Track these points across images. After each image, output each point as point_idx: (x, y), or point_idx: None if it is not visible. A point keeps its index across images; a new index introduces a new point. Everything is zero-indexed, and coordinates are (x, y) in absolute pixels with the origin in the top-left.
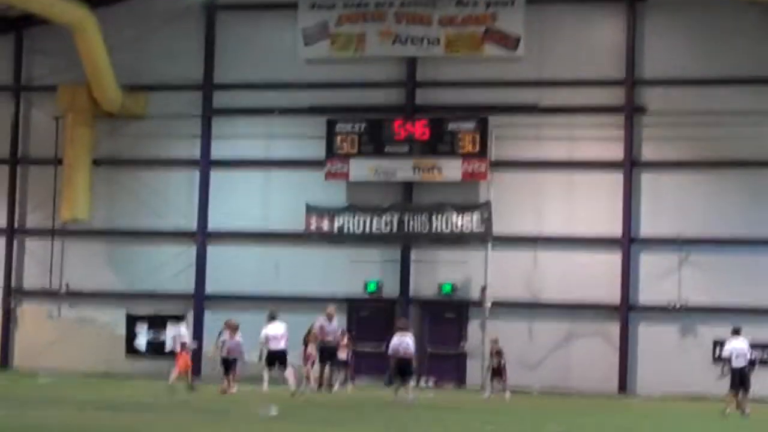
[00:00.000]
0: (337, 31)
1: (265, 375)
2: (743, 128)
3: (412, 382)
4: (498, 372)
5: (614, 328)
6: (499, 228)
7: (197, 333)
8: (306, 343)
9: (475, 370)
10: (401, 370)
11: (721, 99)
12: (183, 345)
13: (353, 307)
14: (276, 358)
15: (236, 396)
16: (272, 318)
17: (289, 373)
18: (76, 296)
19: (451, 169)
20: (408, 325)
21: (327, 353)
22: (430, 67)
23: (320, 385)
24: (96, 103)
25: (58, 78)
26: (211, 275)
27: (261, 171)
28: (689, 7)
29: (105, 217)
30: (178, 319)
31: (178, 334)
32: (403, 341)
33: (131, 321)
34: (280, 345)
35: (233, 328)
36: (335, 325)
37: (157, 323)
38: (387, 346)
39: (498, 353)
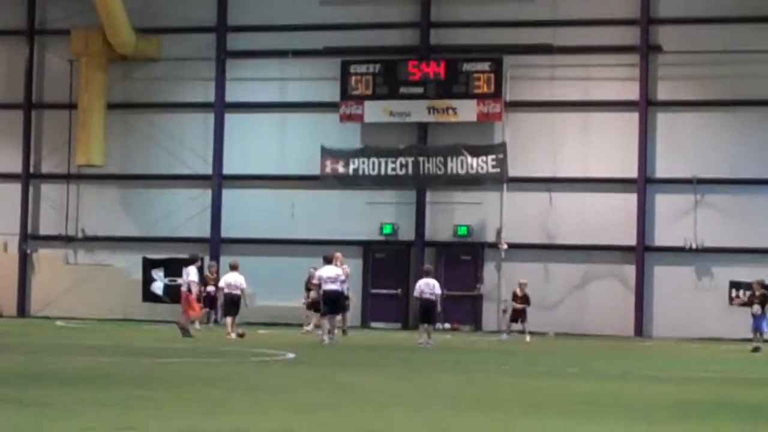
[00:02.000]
0: None
1: (322, 321)
2: (760, 67)
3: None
4: (520, 315)
5: (630, 270)
6: (514, 169)
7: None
8: (308, 290)
9: (491, 312)
10: (426, 311)
11: (737, 38)
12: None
13: (369, 249)
14: (330, 299)
15: (257, 338)
16: (328, 261)
17: (335, 321)
18: (91, 241)
19: (466, 110)
20: (433, 270)
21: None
22: (444, 7)
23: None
24: (110, 46)
25: (71, 21)
26: (226, 219)
27: (276, 114)
28: None
29: (120, 162)
30: (190, 262)
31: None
32: (429, 283)
33: (147, 266)
34: (335, 285)
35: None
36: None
37: (174, 268)
38: (403, 291)
39: (524, 298)
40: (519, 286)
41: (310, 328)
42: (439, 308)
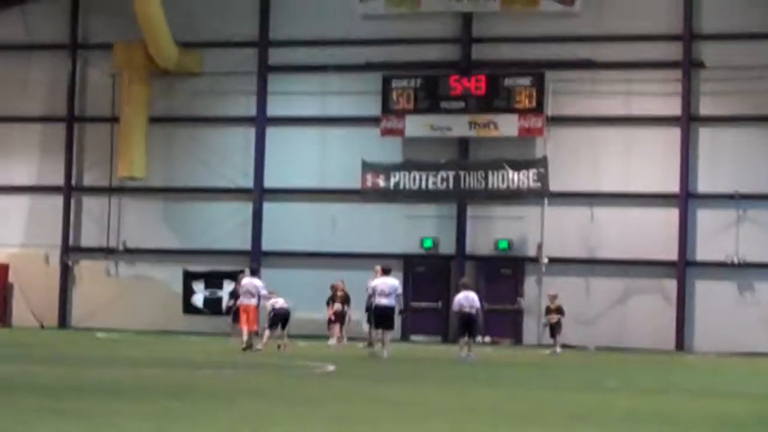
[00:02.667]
0: None
1: (374, 334)
2: None
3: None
4: (556, 327)
5: (671, 285)
6: (555, 184)
7: None
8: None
9: (532, 326)
10: (466, 325)
11: None
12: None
13: (409, 263)
14: (380, 314)
15: (298, 350)
16: (386, 272)
17: (389, 337)
18: (133, 254)
19: (508, 125)
20: (471, 284)
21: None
22: (486, 22)
23: (370, 343)
24: (152, 60)
25: (114, 35)
26: (267, 232)
27: (317, 128)
28: None
29: (161, 175)
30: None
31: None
32: (469, 296)
33: (188, 278)
34: (389, 300)
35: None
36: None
37: (214, 280)
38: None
39: (558, 310)
40: (550, 299)
41: (333, 342)
42: (481, 321)
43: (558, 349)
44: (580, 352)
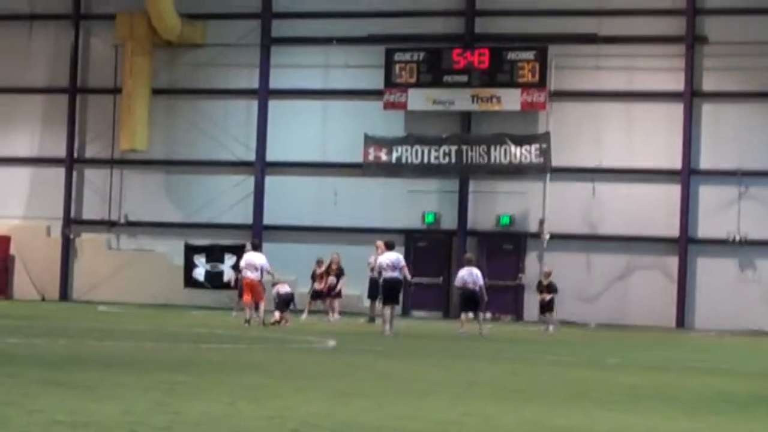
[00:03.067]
0: None
1: (380, 308)
2: None
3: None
4: (547, 306)
5: (673, 262)
6: (557, 159)
7: None
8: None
9: (533, 302)
10: (470, 301)
11: None
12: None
13: (411, 238)
14: (390, 287)
15: (299, 325)
16: (389, 247)
17: (393, 311)
18: (134, 227)
19: (510, 100)
20: (475, 260)
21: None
22: None
23: (371, 318)
24: (155, 31)
25: (116, 6)
26: (269, 206)
27: (319, 101)
28: None
29: (163, 147)
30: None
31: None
32: (472, 272)
33: (190, 252)
34: (395, 273)
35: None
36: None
37: (216, 254)
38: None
39: (549, 287)
40: (543, 275)
41: (304, 317)
42: (485, 297)
43: (551, 327)
44: (581, 329)
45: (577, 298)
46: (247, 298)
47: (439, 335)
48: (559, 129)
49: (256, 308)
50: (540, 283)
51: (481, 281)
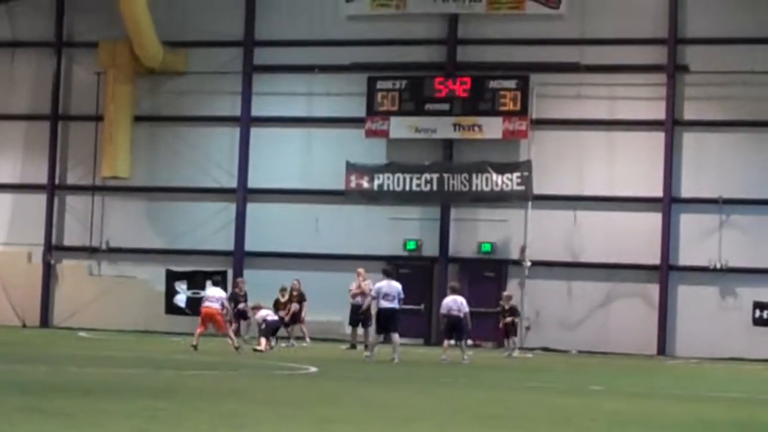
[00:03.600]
0: None
1: (373, 335)
2: None
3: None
4: (510, 330)
5: (654, 289)
6: (539, 187)
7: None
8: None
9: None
10: (454, 327)
11: (764, 58)
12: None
13: (392, 265)
14: (386, 317)
15: (280, 352)
16: (388, 275)
17: (396, 339)
18: (116, 253)
19: (492, 128)
20: (459, 287)
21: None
22: (471, 24)
23: (352, 345)
24: (137, 59)
25: (99, 34)
26: (250, 233)
27: (301, 128)
28: None
29: (145, 174)
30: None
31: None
32: (457, 300)
33: (171, 278)
34: (393, 303)
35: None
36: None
37: (197, 280)
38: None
39: (512, 310)
40: (505, 299)
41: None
42: (469, 325)
43: (515, 353)
44: (563, 356)
45: (559, 325)
46: (201, 329)
47: (421, 362)
48: (540, 157)
49: (226, 335)
50: (502, 307)
51: (466, 308)
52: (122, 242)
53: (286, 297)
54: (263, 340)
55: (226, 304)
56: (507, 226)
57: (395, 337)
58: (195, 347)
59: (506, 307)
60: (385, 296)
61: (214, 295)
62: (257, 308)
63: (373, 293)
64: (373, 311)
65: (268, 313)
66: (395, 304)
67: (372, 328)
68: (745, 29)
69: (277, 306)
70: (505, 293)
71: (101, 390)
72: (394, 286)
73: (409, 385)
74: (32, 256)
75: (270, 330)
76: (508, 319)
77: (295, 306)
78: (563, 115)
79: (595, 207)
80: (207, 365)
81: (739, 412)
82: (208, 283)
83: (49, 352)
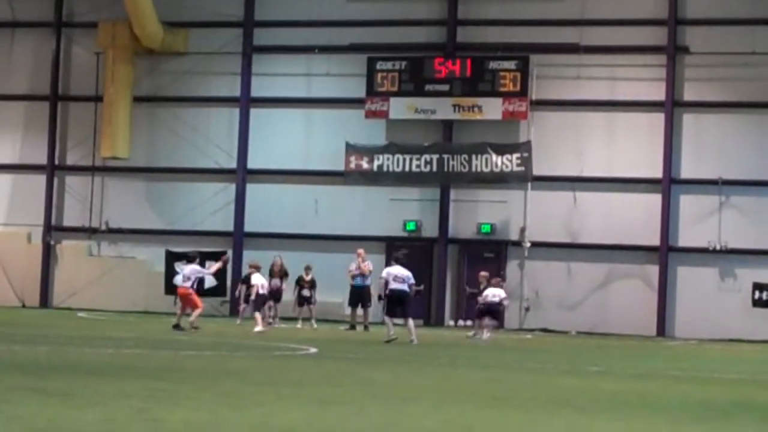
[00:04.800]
0: None
1: (387, 320)
2: None
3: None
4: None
5: (653, 270)
6: (539, 168)
7: (236, 271)
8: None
9: (513, 310)
10: (399, 302)
11: (764, 40)
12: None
13: (392, 246)
14: (398, 299)
15: (280, 332)
16: (398, 261)
17: (411, 322)
18: (115, 234)
19: (492, 109)
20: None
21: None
22: (471, 5)
23: (352, 326)
24: (136, 39)
25: (98, 14)
26: (250, 213)
27: (301, 109)
28: None
29: (145, 155)
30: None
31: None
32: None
33: (170, 258)
34: (404, 287)
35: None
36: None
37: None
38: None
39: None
40: (481, 278)
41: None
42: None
43: (486, 335)
44: (562, 337)
45: (558, 306)
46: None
47: (420, 342)
48: (540, 138)
49: (189, 314)
50: (479, 288)
51: (412, 281)
52: (122, 223)
53: (310, 276)
54: (260, 319)
55: (197, 273)
56: (506, 207)
57: (410, 321)
58: (176, 326)
59: (481, 288)
60: (396, 278)
61: (184, 272)
62: (255, 268)
63: (383, 276)
64: (374, 293)
65: (263, 283)
66: (405, 287)
67: (370, 309)
68: (745, 10)
69: (300, 283)
70: (482, 273)
71: (100, 370)
72: (406, 272)
73: (408, 365)
74: (32, 236)
75: (261, 303)
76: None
77: (276, 282)
78: (563, 96)
79: (595, 188)
80: (206, 346)
81: (738, 393)
82: (183, 261)
83: (49, 333)
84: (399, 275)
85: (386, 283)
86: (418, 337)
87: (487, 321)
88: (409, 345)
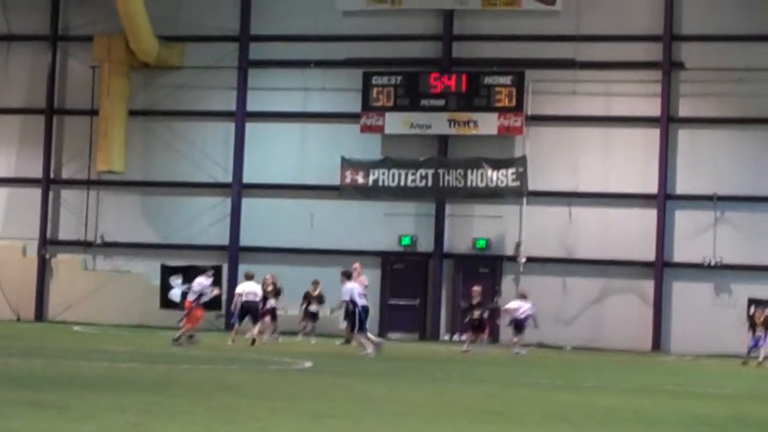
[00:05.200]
0: None
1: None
2: None
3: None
4: (479, 326)
5: (648, 286)
6: (534, 183)
7: (232, 285)
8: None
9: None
10: (517, 325)
11: (759, 56)
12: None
13: (387, 260)
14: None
15: (272, 346)
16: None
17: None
18: (110, 247)
19: (487, 124)
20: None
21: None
22: (467, 20)
23: (347, 340)
24: (132, 53)
25: (94, 28)
26: (245, 228)
27: (296, 123)
28: None
29: (140, 169)
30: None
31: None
32: (522, 304)
33: (166, 272)
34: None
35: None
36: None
37: (192, 275)
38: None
39: (479, 305)
40: (473, 293)
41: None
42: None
43: (487, 349)
44: (557, 351)
45: (553, 321)
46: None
47: (415, 357)
48: (535, 153)
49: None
50: (469, 303)
51: (533, 312)
52: (117, 236)
53: (317, 291)
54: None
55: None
56: (502, 222)
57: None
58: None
59: (473, 302)
60: (360, 295)
61: (194, 288)
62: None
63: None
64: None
65: (245, 292)
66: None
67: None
68: (740, 26)
69: (307, 297)
70: (475, 288)
71: (96, 383)
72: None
73: (402, 379)
74: (27, 250)
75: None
76: (476, 314)
77: (271, 303)
78: (558, 111)
79: (590, 203)
80: (201, 359)
81: (733, 408)
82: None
83: (44, 346)
84: (360, 291)
85: (351, 300)
86: (411, 352)
87: (516, 335)
88: (403, 360)
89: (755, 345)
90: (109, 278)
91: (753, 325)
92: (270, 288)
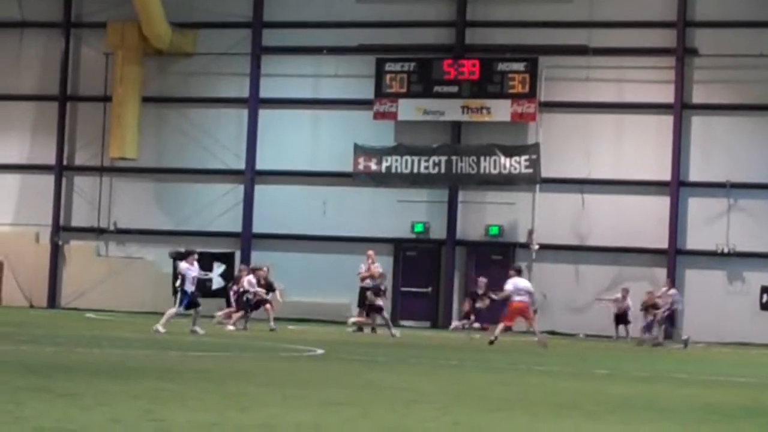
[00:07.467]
0: None
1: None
2: None
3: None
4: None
5: (661, 273)
6: (547, 170)
7: None
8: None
9: None
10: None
11: None
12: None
13: (400, 247)
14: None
15: (287, 334)
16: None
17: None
18: (123, 234)
19: (500, 110)
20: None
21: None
22: (480, 6)
23: (359, 328)
24: (145, 40)
25: (107, 14)
26: (258, 214)
27: (309, 110)
28: None
29: (153, 156)
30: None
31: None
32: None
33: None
34: (525, 298)
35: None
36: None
37: (205, 262)
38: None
39: (484, 295)
40: (480, 285)
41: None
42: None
43: (477, 335)
44: (570, 339)
45: (566, 309)
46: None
47: (427, 344)
48: (548, 140)
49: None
50: (474, 292)
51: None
52: (130, 223)
53: (384, 285)
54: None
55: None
56: (515, 209)
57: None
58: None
59: (480, 293)
60: (517, 292)
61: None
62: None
63: (509, 288)
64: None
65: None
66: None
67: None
68: (754, 12)
69: (377, 293)
70: (481, 278)
71: (107, 370)
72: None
73: (414, 367)
74: (40, 236)
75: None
76: (479, 304)
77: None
78: (572, 98)
79: (603, 190)
80: (213, 347)
81: (745, 396)
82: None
83: (56, 333)
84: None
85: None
86: (426, 339)
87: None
88: (418, 347)
89: None
90: (121, 265)
91: None
92: (264, 282)
